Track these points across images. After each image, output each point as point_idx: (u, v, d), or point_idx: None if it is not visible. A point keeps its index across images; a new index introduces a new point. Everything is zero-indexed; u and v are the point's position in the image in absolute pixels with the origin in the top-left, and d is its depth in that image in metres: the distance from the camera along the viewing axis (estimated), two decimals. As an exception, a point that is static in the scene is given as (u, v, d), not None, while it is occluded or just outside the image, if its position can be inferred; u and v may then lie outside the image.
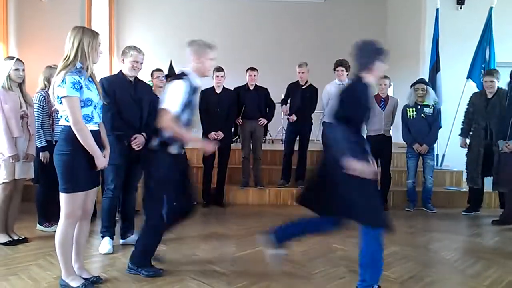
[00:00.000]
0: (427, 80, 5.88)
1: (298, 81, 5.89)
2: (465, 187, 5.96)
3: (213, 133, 5.30)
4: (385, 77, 5.53)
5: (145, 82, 3.90)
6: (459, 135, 5.44)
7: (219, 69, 5.36)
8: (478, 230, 4.71)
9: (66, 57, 2.66)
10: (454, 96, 6.02)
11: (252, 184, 5.86)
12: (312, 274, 3.20)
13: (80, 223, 2.81)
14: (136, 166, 3.71)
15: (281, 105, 6.01)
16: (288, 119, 5.88)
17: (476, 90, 6.14)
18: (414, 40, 7.55)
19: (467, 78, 6.20)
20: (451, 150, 5.94)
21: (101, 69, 9.21)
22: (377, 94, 5.48)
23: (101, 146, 2.82)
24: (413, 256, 3.66)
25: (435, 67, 6.45)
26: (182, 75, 2.99)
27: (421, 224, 4.89)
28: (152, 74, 5.11)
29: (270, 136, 8.65)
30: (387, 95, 5.54)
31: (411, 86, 5.41)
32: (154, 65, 5.44)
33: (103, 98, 2.87)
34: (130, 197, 3.82)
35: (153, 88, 5.07)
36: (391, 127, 5.53)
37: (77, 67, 2.65)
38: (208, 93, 5.39)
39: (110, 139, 3.08)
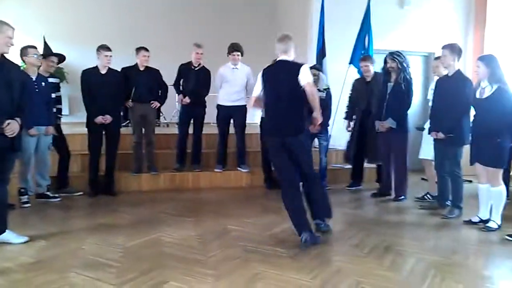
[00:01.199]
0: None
1: (190, 62, 5.74)
2: (348, 165, 6.46)
3: (100, 117, 4.94)
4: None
5: (12, 62, 3.40)
6: (344, 118, 5.85)
7: (108, 48, 5.00)
8: (360, 203, 5.15)
9: None
10: (339, 80, 6.42)
11: (145, 170, 5.62)
12: (208, 257, 3.17)
13: None
14: (10, 155, 3.29)
15: (174, 88, 5.81)
16: (181, 101, 5.72)
17: (357, 75, 6.65)
18: (302, 26, 7.85)
19: (349, 63, 6.65)
20: (335, 131, 6.36)
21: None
22: None
23: None
24: (303, 231, 3.85)
25: (321, 53, 6.79)
26: None
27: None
28: (25, 52, 4.51)
29: (165, 119, 8.38)
30: None
31: None
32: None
33: None
34: (0, 190, 3.36)
35: (25, 68, 4.53)
36: None
37: None
38: (91, 73, 5.00)
39: None
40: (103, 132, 5.09)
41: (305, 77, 3.38)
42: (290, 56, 3.57)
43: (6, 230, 3.40)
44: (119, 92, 5.13)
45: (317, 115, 3.48)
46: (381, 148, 5.26)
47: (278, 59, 3.63)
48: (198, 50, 5.64)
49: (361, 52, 6.50)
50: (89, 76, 4.99)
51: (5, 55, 3.27)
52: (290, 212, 3.49)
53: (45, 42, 5.15)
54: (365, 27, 6.62)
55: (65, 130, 5.35)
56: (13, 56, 3.55)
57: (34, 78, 4.51)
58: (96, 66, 5.05)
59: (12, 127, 3.19)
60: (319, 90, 5.53)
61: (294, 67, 3.46)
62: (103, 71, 5.03)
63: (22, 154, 4.51)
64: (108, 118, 4.97)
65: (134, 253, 3.25)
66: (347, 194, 5.60)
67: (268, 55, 9.85)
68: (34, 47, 4.58)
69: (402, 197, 5.15)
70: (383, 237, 3.72)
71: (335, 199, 5.23)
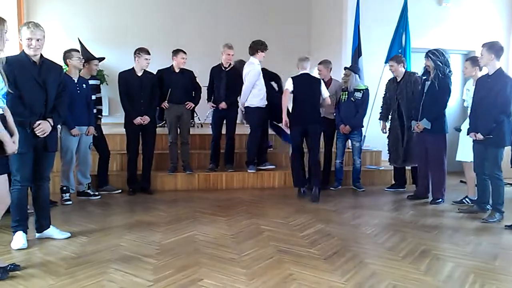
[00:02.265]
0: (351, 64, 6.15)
1: (220, 64, 5.79)
2: (383, 166, 6.35)
3: (139, 118, 5.09)
4: (320, 63, 5.77)
5: (53, 63, 3.51)
6: (379, 119, 5.76)
7: (148, 52, 5.15)
8: (395, 206, 5.04)
9: None
10: (375, 80, 6.32)
11: (181, 169, 5.74)
12: (241, 256, 3.21)
13: None
14: (46, 155, 3.44)
15: (207, 93, 5.86)
16: (214, 107, 5.79)
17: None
18: (337, 26, 7.77)
19: (385, 62, 6.52)
20: (370, 132, 6.26)
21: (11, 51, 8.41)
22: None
23: (8, 131, 2.65)
24: (337, 233, 3.83)
25: (357, 52, 6.70)
26: None
27: (345, 202, 5.12)
28: (68, 55, 4.68)
29: (199, 120, 8.52)
30: (330, 78, 5.72)
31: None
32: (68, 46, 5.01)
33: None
34: (42, 187, 3.51)
35: (67, 70, 4.73)
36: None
37: None
38: (127, 75, 5.16)
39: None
40: (140, 133, 5.23)
41: (325, 91, 5.22)
42: (307, 70, 5.24)
43: (50, 226, 3.56)
44: (154, 93, 5.25)
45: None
46: (416, 149, 5.15)
47: (302, 72, 5.20)
48: (230, 51, 5.67)
49: (398, 51, 6.37)
50: (126, 78, 5.14)
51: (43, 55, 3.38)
52: (293, 171, 5.29)
53: (81, 44, 5.34)
54: (402, 25, 6.49)
55: (105, 130, 5.54)
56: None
57: (75, 80, 4.70)
58: (132, 68, 5.19)
59: (43, 127, 3.29)
60: (358, 90, 5.48)
61: (316, 80, 5.26)
62: (139, 73, 5.16)
63: (64, 153, 4.74)
64: (146, 119, 5.10)
65: (170, 250, 3.33)
66: (383, 196, 5.51)
67: (301, 54, 9.81)
68: (77, 51, 4.79)
69: (440, 200, 5.00)
70: (419, 241, 3.64)
71: (369, 201, 5.19)
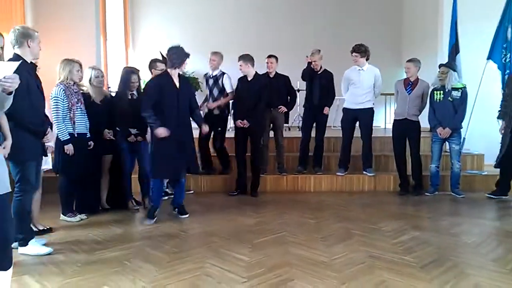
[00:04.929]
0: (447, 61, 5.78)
1: (312, 67, 5.79)
2: (486, 171, 5.86)
3: (238, 121, 5.27)
4: (409, 60, 5.46)
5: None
6: (497, 118, 5.25)
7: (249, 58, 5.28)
8: (500, 214, 4.63)
9: None
10: (474, 78, 5.87)
11: (270, 172, 5.86)
12: (332, 259, 3.20)
13: None
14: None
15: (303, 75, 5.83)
16: (304, 107, 5.82)
17: (497, 70, 6.00)
18: (432, 21, 7.37)
19: (488, 59, 6.03)
20: (471, 134, 5.82)
21: (118, 60, 9.32)
22: (406, 78, 5.44)
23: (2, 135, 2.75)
24: (434, 241, 3.63)
25: (454, 49, 6.30)
26: None
27: (442, 209, 4.83)
28: (153, 65, 5.01)
29: (287, 123, 8.61)
30: (417, 79, 5.40)
31: (439, 68, 5.31)
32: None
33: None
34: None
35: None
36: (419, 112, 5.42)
37: None
38: (241, 80, 5.37)
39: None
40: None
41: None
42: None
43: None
44: (262, 97, 5.26)
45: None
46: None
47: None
48: (311, 58, 5.63)
49: (503, 46, 5.86)
50: (239, 83, 5.34)
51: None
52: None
53: (162, 56, 5.68)
54: (507, 17, 5.95)
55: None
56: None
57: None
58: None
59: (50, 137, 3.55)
60: (456, 88, 5.14)
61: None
62: (249, 78, 5.26)
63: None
64: (245, 123, 5.19)
65: (261, 249, 3.43)
66: (485, 203, 5.08)
67: (396, 54, 9.55)
68: (161, 61, 5.07)
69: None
70: (529, 254, 3.31)
71: (471, 208, 4.83)
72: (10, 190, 2.30)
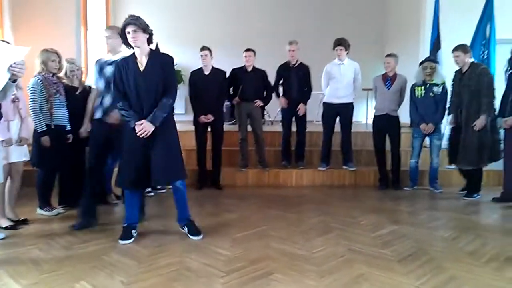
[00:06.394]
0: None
1: (287, 61, 5.79)
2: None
3: (202, 116, 5.25)
4: (389, 55, 5.49)
5: None
6: (447, 114, 5.31)
7: (202, 48, 5.27)
8: (477, 208, 4.73)
9: None
10: (452, 73, 5.95)
11: (251, 165, 5.85)
12: (312, 253, 3.22)
13: None
14: None
15: (274, 91, 5.87)
16: (284, 104, 5.81)
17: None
18: (415, 16, 7.44)
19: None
20: (448, 129, 5.91)
21: (100, 51, 9.15)
22: (384, 73, 5.47)
23: None
24: (412, 235, 3.68)
25: (436, 44, 6.38)
26: None
27: (420, 203, 4.91)
28: None
29: (270, 117, 8.62)
30: (395, 74, 5.45)
31: (420, 64, 5.34)
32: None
33: None
34: None
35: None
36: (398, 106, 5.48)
37: None
38: (196, 74, 5.34)
39: None
40: (208, 129, 5.39)
41: None
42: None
43: None
44: (221, 91, 5.33)
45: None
46: (506, 147, 4.74)
47: None
48: (291, 47, 5.65)
49: (481, 43, 5.96)
50: (194, 77, 5.33)
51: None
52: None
53: (156, 47, 5.62)
54: (487, 15, 6.06)
55: (180, 127, 5.79)
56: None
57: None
58: (201, 67, 5.33)
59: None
60: (436, 84, 5.19)
61: None
62: (206, 72, 5.30)
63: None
64: (209, 118, 5.21)
65: (241, 243, 3.43)
66: (462, 198, 5.18)
67: (377, 49, 9.62)
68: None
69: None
70: (504, 247, 3.38)
71: (448, 203, 4.92)
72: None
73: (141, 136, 3.27)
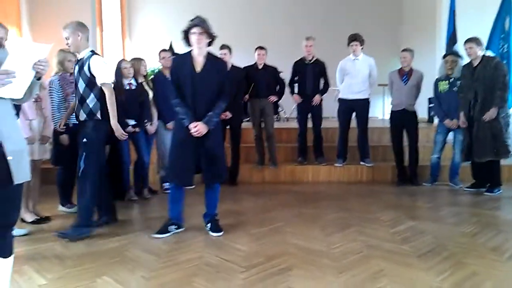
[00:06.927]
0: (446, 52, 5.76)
1: (303, 57, 5.77)
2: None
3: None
4: (405, 50, 5.42)
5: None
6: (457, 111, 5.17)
7: (222, 47, 5.28)
8: (498, 204, 4.65)
9: None
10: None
11: (268, 162, 5.86)
12: (330, 249, 3.21)
13: None
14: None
15: (289, 87, 5.87)
16: (297, 100, 5.80)
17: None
18: (431, 11, 7.34)
19: (486, 49, 6.01)
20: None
21: (115, 51, 9.26)
22: (400, 68, 5.40)
23: None
24: (431, 230, 3.64)
25: (452, 39, 6.29)
26: None
27: (439, 199, 4.85)
28: (159, 55, 5.09)
29: (285, 114, 8.61)
30: (411, 69, 5.39)
31: (443, 58, 5.27)
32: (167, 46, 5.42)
33: None
34: None
35: (161, 69, 5.10)
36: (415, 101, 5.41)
37: None
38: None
39: None
40: (227, 127, 5.39)
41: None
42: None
43: None
44: (239, 88, 5.33)
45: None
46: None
47: None
48: (307, 42, 5.63)
49: (500, 36, 5.85)
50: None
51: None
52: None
53: (170, 45, 5.68)
54: (505, 8, 5.94)
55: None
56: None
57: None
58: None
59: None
60: (447, 79, 5.11)
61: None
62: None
63: (159, 145, 5.08)
64: (227, 115, 5.18)
65: (260, 239, 3.45)
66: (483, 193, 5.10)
67: (393, 44, 9.52)
68: (165, 50, 5.15)
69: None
70: (527, 243, 3.33)
71: (469, 198, 4.85)
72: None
73: (194, 135, 3.35)
